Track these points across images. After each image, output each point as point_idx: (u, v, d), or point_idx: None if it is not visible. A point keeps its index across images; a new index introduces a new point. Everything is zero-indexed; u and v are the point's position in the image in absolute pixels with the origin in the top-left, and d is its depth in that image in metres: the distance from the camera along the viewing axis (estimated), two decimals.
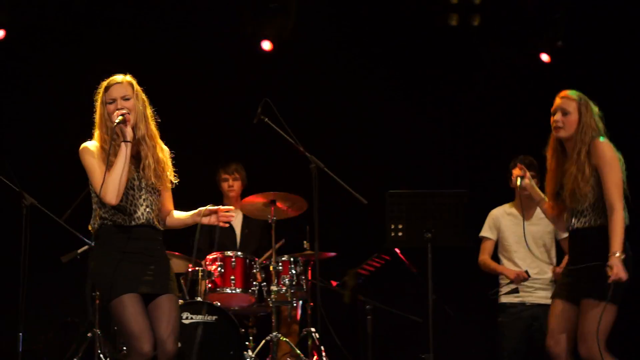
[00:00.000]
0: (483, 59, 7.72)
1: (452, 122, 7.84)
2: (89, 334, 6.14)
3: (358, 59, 7.71)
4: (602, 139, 4.67)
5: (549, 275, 6.07)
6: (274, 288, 6.14)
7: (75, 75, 7.07)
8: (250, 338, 6.26)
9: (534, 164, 5.74)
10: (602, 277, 4.49)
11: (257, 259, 6.31)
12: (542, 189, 5.00)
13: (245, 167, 6.95)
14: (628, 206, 4.63)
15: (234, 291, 6.09)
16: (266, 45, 7.53)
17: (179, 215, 4.62)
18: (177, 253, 6.32)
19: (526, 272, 5.97)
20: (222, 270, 6.10)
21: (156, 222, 4.44)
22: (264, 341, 6.15)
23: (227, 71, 7.66)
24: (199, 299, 6.07)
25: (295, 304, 6.36)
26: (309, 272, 6.32)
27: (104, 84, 4.42)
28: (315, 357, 6.08)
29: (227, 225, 4.69)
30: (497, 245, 6.28)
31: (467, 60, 7.74)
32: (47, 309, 6.85)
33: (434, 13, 7.60)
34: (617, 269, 4.44)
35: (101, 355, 6.08)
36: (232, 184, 6.83)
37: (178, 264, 6.27)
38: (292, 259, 6.22)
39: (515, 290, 6.06)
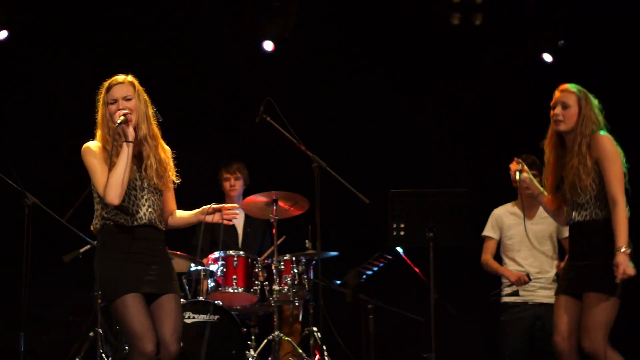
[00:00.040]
0: (485, 59, 7.73)
1: (453, 121, 7.85)
2: (91, 334, 6.14)
3: (359, 58, 7.71)
4: (602, 133, 4.68)
5: (551, 274, 6.07)
6: (276, 287, 6.14)
7: (77, 75, 7.07)
8: (252, 337, 6.26)
9: (536, 163, 5.74)
10: (606, 272, 4.50)
11: (259, 258, 6.31)
12: (542, 186, 5.00)
13: (247, 166, 6.95)
14: (628, 199, 4.62)
15: (236, 290, 6.09)
16: (268, 45, 7.53)
17: (182, 214, 4.63)
18: (178, 252, 6.31)
19: (527, 275, 5.96)
20: (224, 270, 6.10)
21: (158, 223, 4.45)
22: (266, 340, 6.16)
23: (229, 70, 7.65)
24: (201, 298, 6.07)
25: (297, 303, 6.36)
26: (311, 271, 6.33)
27: (106, 84, 4.42)
28: (317, 356, 6.08)
29: (231, 223, 4.69)
30: (499, 244, 6.28)
31: (469, 60, 7.74)
32: (49, 309, 6.85)
33: (435, 12, 7.59)
34: (623, 266, 4.44)
35: (103, 355, 6.08)
36: (233, 184, 6.84)
37: (180, 264, 6.27)
38: (294, 258, 6.22)
39: (516, 293, 6.06)
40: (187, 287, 6.23)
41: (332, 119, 7.57)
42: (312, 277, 6.29)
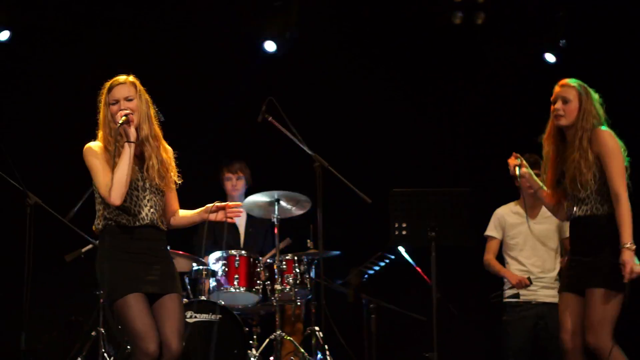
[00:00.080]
0: (486, 58, 7.72)
1: (455, 120, 7.84)
2: (92, 333, 6.15)
3: (360, 58, 7.71)
4: (603, 128, 4.67)
5: (554, 273, 6.06)
6: (277, 287, 6.14)
7: (78, 75, 7.08)
8: (254, 337, 6.25)
9: (538, 163, 5.73)
10: (610, 268, 4.49)
11: (261, 258, 6.31)
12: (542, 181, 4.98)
13: (249, 166, 6.95)
14: (628, 195, 4.61)
15: (237, 290, 6.09)
16: (269, 45, 7.53)
17: (186, 213, 4.62)
18: (180, 252, 6.31)
19: (528, 278, 5.96)
20: (226, 269, 6.09)
21: (160, 223, 4.45)
22: (267, 340, 6.16)
23: (230, 70, 7.66)
24: (203, 298, 6.07)
25: (299, 303, 6.37)
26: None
27: (107, 84, 4.42)
28: (319, 356, 6.09)
29: (234, 221, 4.69)
30: (501, 244, 6.27)
31: (471, 59, 7.73)
32: (51, 308, 6.86)
33: (437, 12, 7.59)
34: (629, 265, 4.43)
35: (105, 355, 6.08)
36: (235, 183, 6.83)
37: (182, 263, 6.27)
38: (296, 258, 6.22)
39: (516, 296, 6.05)
40: (189, 287, 6.23)
41: (333, 119, 7.57)
42: (313, 276, 6.29)
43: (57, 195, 5.88)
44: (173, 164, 4.53)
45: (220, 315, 5.88)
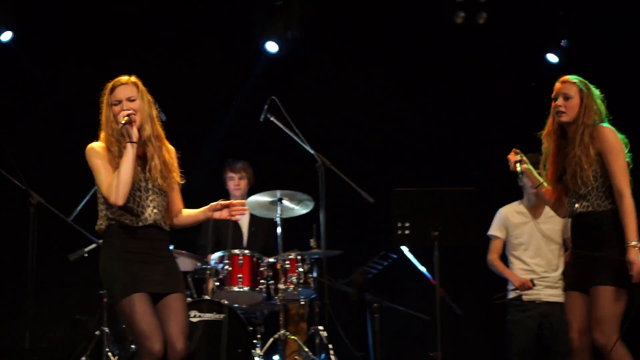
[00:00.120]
0: (489, 57, 7.71)
1: (458, 120, 7.84)
2: (96, 333, 6.15)
3: (363, 57, 7.71)
4: (605, 125, 4.65)
5: (557, 273, 6.05)
6: (281, 286, 6.14)
7: (81, 75, 7.10)
8: (258, 336, 6.25)
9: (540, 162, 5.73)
10: (614, 265, 4.48)
11: (264, 257, 6.32)
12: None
13: (252, 166, 6.94)
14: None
15: (241, 289, 6.09)
16: (271, 45, 7.53)
17: (190, 212, 4.63)
18: (184, 251, 6.32)
19: (531, 280, 5.95)
20: (230, 269, 6.10)
21: (163, 223, 4.45)
22: (271, 339, 6.16)
23: (233, 70, 7.66)
24: (206, 297, 6.08)
25: (302, 302, 6.37)
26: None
27: (109, 85, 4.42)
28: (322, 355, 6.09)
29: (239, 219, 4.69)
30: (505, 243, 6.26)
31: (473, 59, 7.72)
32: (55, 307, 6.88)
33: (440, 11, 7.59)
34: (637, 265, 4.42)
35: (109, 354, 6.09)
36: (238, 183, 6.83)
37: (185, 263, 6.28)
38: (299, 257, 6.22)
39: (519, 298, 6.04)
40: (192, 286, 6.24)
41: (336, 118, 7.57)
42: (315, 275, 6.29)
43: (60, 195, 5.89)
44: (176, 164, 4.53)
45: (224, 315, 5.88)
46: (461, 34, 7.61)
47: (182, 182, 4.57)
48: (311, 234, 6.30)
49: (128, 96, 4.37)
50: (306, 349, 6.16)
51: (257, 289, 6.12)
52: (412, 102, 7.71)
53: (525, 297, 6.06)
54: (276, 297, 6.17)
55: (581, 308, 4.64)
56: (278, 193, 6.24)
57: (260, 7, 7.45)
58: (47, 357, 6.63)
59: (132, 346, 5.79)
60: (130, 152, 4.29)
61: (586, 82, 4.74)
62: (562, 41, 7.47)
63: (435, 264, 5.47)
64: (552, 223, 6.03)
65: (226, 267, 6.08)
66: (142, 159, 4.42)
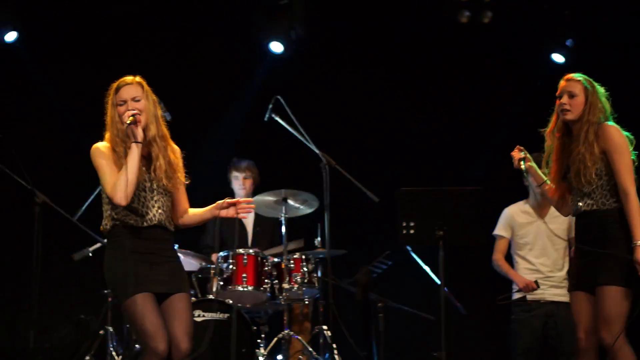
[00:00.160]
0: (494, 57, 7.70)
1: (462, 120, 7.83)
2: (100, 332, 6.15)
3: (367, 57, 7.70)
4: (610, 123, 4.64)
5: (562, 273, 6.04)
6: (285, 286, 6.14)
7: (85, 75, 7.10)
8: (262, 336, 6.25)
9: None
10: (620, 264, 4.46)
11: (271, 258, 6.32)
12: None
13: (257, 165, 6.94)
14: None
15: (245, 289, 6.09)
16: (276, 44, 7.52)
17: (196, 211, 4.62)
18: (189, 251, 6.32)
19: (535, 282, 5.94)
20: (234, 268, 6.09)
21: (167, 224, 4.44)
22: (276, 339, 6.16)
23: (238, 69, 7.66)
24: (210, 296, 6.08)
25: (307, 302, 6.36)
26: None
27: (114, 85, 4.41)
28: (327, 355, 6.08)
29: (246, 217, 4.68)
30: (510, 243, 6.25)
31: (478, 58, 7.72)
32: (59, 307, 6.88)
33: (444, 11, 7.58)
34: None
35: (113, 353, 6.09)
36: (243, 182, 6.83)
37: (190, 262, 6.28)
38: (303, 257, 6.22)
39: (523, 299, 6.04)
40: (196, 286, 6.24)
41: (340, 118, 7.56)
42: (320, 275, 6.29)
43: (65, 194, 5.89)
44: (181, 164, 4.52)
45: (228, 314, 5.88)
46: (466, 34, 7.60)
47: (187, 182, 4.56)
48: (316, 234, 6.30)
49: (133, 96, 4.36)
50: (310, 349, 6.16)
51: (262, 288, 6.12)
52: (417, 101, 7.70)
53: (530, 297, 6.05)
54: (280, 297, 6.17)
55: (587, 308, 4.62)
56: (283, 192, 6.24)
57: (264, 7, 7.44)
58: (51, 357, 6.64)
59: (137, 346, 5.80)
60: (135, 152, 4.28)
61: (591, 80, 4.72)
62: (567, 40, 7.45)
63: (440, 264, 5.46)
64: (558, 222, 6.02)
65: (231, 266, 6.08)
66: (147, 159, 4.41)
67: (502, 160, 5.44)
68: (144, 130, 4.34)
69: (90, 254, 6.06)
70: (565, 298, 5.36)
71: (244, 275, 6.08)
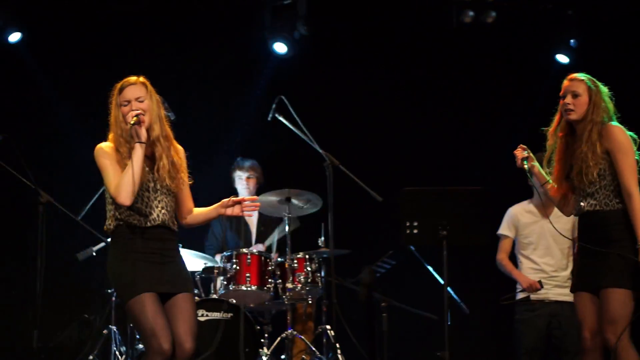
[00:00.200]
0: (498, 57, 7.70)
1: (466, 119, 7.82)
2: (104, 331, 6.16)
3: (370, 57, 7.70)
4: (614, 123, 4.63)
5: (566, 272, 6.04)
6: (289, 285, 6.14)
7: (88, 75, 7.11)
8: (266, 335, 6.26)
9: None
10: (623, 266, 4.46)
11: (272, 255, 6.32)
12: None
13: (260, 165, 6.94)
14: None
15: (249, 288, 6.09)
16: (280, 44, 7.52)
17: (201, 210, 4.62)
18: (193, 251, 6.33)
19: (539, 282, 5.94)
20: (238, 268, 6.10)
21: (171, 224, 4.44)
22: (279, 338, 6.16)
23: (241, 69, 7.67)
24: (214, 296, 6.08)
25: (310, 301, 6.37)
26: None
27: (118, 85, 4.41)
28: (330, 354, 6.09)
29: (251, 215, 4.67)
30: (514, 243, 6.25)
31: (484, 58, 7.71)
32: (63, 306, 6.88)
33: (448, 10, 7.58)
34: None
35: (117, 352, 6.10)
36: (247, 182, 6.83)
37: (193, 262, 6.29)
38: (307, 256, 6.22)
39: (527, 299, 6.04)
40: (200, 286, 6.24)
41: (344, 117, 7.56)
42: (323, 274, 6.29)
43: (69, 194, 5.91)
44: (184, 164, 4.52)
45: (231, 314, 5.88)
46: (470, 34, 7.60)
47: (191, 183, 4.56)
48: (320, 233, 6.30)
49: (137, 96, 4.36)
50: (313, 348, 6.16)
51: (265, 288, 6.12)
52: (420, 101, 7.69)
53: (534, 297, 6.05)
54: (284, 296, 6.17)
55: (591, 308, 4.62)
56: (287, 192, 6.24)
57: (268, 6, 7.44)
58: (55, 356, 6.64)
59: (140, 345, 5.81)
60: (138, 153, 4.28)
61: (594, 79, 4.72)
62: (571, 41, 7.44)
63: (444, 264, 5.47)
64: (562, 222, 5.99)
65: (234, 266, 6.08)
66: (150, 160, 4.41)
67: (505, 159, 5.44)
68: (148, 130, 4.35)
69: (94, 254, 6.06)
70: (569, 298, 5.35)
71: (248, 274, 6.08)
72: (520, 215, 6.19)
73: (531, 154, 4.86)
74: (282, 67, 7.58)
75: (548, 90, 5.29)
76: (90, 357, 6.11)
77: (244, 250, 6.19)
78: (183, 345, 4.31)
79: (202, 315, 5.82)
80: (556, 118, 4.79)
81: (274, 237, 6.59)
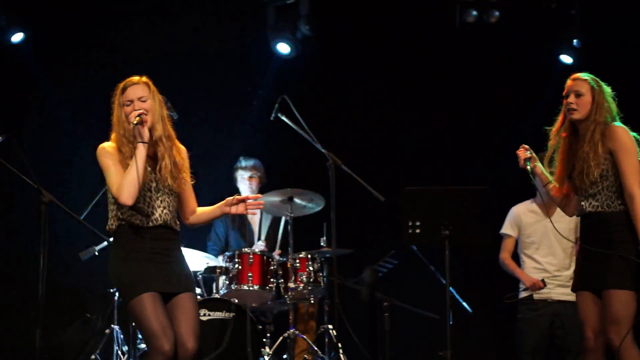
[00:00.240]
0: (501, 57, 7.70)
1: (469, 119, 7.82)
2: (106, 331, 6.16)
3: (372, 56, 7.69)
4: (617, 124, 4.63)
5: (569, 272, 6.04)
6: (291, 285, 6.15)
7: (91, 75, 7.11)
8: (268, 335, 6.26)
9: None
10: (626, 267, 4.46)
11: (275, 255, 6.32)
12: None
13: (263, 165, 6.94)
14: None
15: (251, 288, 6.09)
16: (282, 45, 7.52)
17: (205, 209, 4.63)
18: (195, 250, 6.33)
19: (542, 280, 5.94)
20: (240, 267, 6.10)
21: (173, 224, 4.45)
22: (281, 338, 6.16)
23: (244, 69, 7.67)
24: (216, 296, 6.08)
25: (312, 301, 6.37)
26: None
27: (120, 85, 4.41)
28: (332, 354, 6.09)
29: (255, 213, 4.68)
30: (517, 242, 6.25)
31: (488, 58, 7.71)
32: (66, 306, 6.88)
33: (451, 10, 7.57)
34: None
35: (119, 352, 6.10)
36: (249, 182, 6.83)
37: (196, 261, 6.29)
38: (309, 256, 6.22)
39: (530, 297, 6.03)
40: (202, 285, 6.25)
41: (346, 117, 7.56)
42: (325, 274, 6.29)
43: (71, 194, 5.91)
44: (187, 164, 4.52)
45: (233, 314, 5.89)
46: (473, 33, 7.59)
47: (193, 182, 4.56)
48: (322, 233, 6.30)
49: (139, 96, 4.36)
50: (315, 348, 6.17)
51: (267, 287, 6.13)
52: (423, 101, 7.69)
53: (536, 296, 6.05)
54: (286, 296, 6.18)
55: (594, 308, 4.62)
56: (289, 192, 6.24)
57: (271, 6, 7.44)
58: (58, 356, 6.65)
59: (143, 345, 5.81)
60: (141, 153, 4.28)
61: (598, 79, 4.72)
62: (574, 41, 7.44)
63: (447, 263, 5.47)
64: (565, 222, 5.99)
65: (236, 265, 6.09)
66: (152, 159, 4.42)
67: (507, 159, 5.44)
68: (150, 130, 4.35)
69: (97, 253, 6.06)
70: (572, 297, 5.34)
71: (250, 274, 6.09)
72: (522, 215, 6.19)
73: (534, 154, 4.86)
74: (284, 67, 7.58)
75: (551, 90, 5.28)
76: (93, 357, 6.12)
77: (246, 249, 6.20)
78: (185, 345, 4.31)
79: (205, 315, 5.82)
80: (560, 118, 4.78)
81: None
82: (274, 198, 6.27)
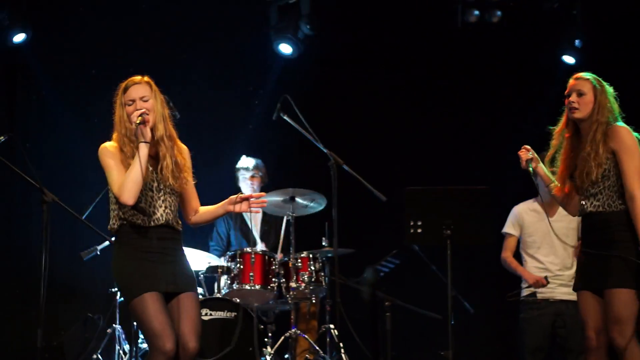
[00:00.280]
0: (503, 57, 7.69)
1: (471, 119, 7.82)
2: (108, 330, 6.17)
3: (375, 56, 7.69)
4: (620, 124, 4.62)
5: (571, 271, 6.03)
6: (293, 284, 6.15)
7: (92, 75, 7.11)
8: (269, 334, 6.26)
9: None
10: (626, 267, 4.45)
11: (276, 255, 6.32)
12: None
13: (265, 164, 6.94)
14: None
15: (253, 288, 6.09)
16: (284, 45, 7.52)
17: (207, 208, 4.62)
18: (196, 250, 6.33)
19: (545, 278, 5.93)
20: (242, 267, 6.10)
21: (175, 223, 4.45)
22: (282, 337, 6.16)
23: (246, 69, 7.67)
24: (218, 295, 6.08)
25: (314, 301, 6.37)
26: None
27: (122, 85, 4.41)
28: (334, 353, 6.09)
29: (258, 211, 4.67)
30: (519, 241, 6.25)
31: (490, 58, 7.71)
32: (67, 305, 6.89)
33: (453, 10, 7.57)
34: None
35: (121, 351, 6.11)
36: (251, 181, 6.83)
37: (197, 261, 6.29)
38: (311, 256, 6.22)
39: (533, 295, 6.03)
40: (204, 285, 6.25)
41: (348, 117, 7.56)
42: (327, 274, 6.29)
43: (73, 193, 5.91)
44: (188, 164, 4.52)
45: (235, 313, 5.89)
46: (475, 33, 7.59)
47: (195, 182, 4.56)
48: (324, 233, 6.30)
49: (141, 96, 4.36)
50: (317, 347, 6.16)
51: (269, 287, 6.13)
52: (425, 101, 7.69)
53: (539, 295, 6.05)
54: (287, 296, 6.18)
55: (595, 308, 4.62)
56: (291, 191, 6.24)
57: (273, 5, 7.44)
58: (59, 355, 6.65)
59: (144, 345, 5.81)
60: (143, 152, 4.28)
61: (600, 79, 4.72)
62: (576, 41, 7.43)
63: (448, 263, 5.47)
64: (567, 221, 5.99)
65: (238, 265, 6.09)
66: (154, 159, 4.41)
67: (509, 159, 5.44)
68: (152, 129, 4.34)
69: (98, 253, 6.07)
70: (574, 297, 5.32)
71: (252, 274, 6.09)
72: (524, 214, 6.19)
73: (535, 155, 4.86)
74: (287, 67, 7.58)
75: (553, 90, 5.28)
76: (94, 356, 6.12)
77: (248, 249, 6.20)
78: (187, 345, 4.31)
79: (206, 315, 5.82)
80: (563, 118, 4.78)
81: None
82: (275, 198, 6.27)
